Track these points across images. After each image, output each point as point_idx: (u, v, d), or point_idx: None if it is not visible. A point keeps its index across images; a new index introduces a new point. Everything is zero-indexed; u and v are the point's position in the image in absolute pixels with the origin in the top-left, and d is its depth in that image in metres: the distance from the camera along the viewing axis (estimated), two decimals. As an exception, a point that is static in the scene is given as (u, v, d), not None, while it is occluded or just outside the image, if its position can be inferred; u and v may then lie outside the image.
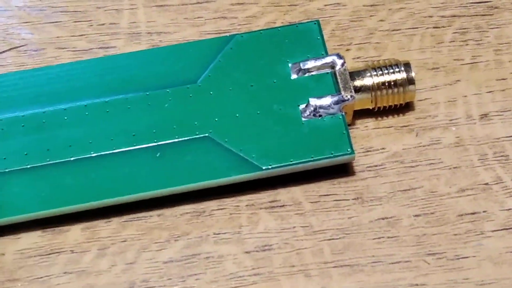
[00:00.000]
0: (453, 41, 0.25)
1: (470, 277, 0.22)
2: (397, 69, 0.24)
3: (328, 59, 0.24)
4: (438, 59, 0.25)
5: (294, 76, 0.24)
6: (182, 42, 0.25)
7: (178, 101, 0.23)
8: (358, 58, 0.25)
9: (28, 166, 0.23)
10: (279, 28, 0.24)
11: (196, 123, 0.23)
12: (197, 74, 0.24)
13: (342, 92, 0.23)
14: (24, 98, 0.23)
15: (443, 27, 0.25)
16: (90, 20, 0.25)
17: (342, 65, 0.24)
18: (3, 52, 0.25)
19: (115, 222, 0.23)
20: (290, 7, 0.26)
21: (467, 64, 0.25)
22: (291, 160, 0.23)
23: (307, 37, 0.24)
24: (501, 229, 0.23)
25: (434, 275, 0.22)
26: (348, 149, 0.23)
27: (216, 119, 0.23)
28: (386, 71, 0.24)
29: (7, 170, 0.23)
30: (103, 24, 0.25)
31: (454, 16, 0.25)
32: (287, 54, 0.24)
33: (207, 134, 0.23)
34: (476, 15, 0.25)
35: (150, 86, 0.24)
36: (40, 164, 0.23)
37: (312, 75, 0.24)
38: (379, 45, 0.25)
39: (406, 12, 0.25)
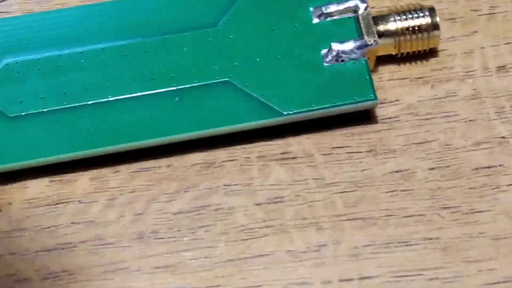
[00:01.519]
0: (471, -10, 0.25)
1: (485, 232, 0.22)
2: (421, 14, 0.23)
3: (351, 3, 0.23)
4: (454, 10, 0.24)
5: (315, 21, 0.23)
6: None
7: (197, 45, 0.23)
8: (373, 8, 0.24)
9: (45, 110, 0.22)
10: None
11: (215, 67, 0.23)
12: (217, 17, 0.23)
13: (365, 37, 0.23)
14: (40, 40, 0.23)
15: (461, -24, 0.25)
16: (97, -35, 0.25)
17: (366, 9, 0.23)
18: (9, -2, 0.25)
19: (124, 172, 0.23)
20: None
21: (484, 15, 0.24)
22: (313, 105, 0.22)
23: None
24: (517, 183, 0.23)
25: (448, 229, 0.22)
26: (371, 95, 0.22)
27: (236, 64, 0.23)
28: (410, 16, 0.23)
29: (23, 114, 0.22)
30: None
31: (473, -36, 0.25)
32: None
33: (227, 79, 0.23)
34: (496, -36, 0.25)
35: (169, 30, 0.23)
36: (56, 108, 0.22)
37: (334, 19, 0.23)
38: (395, -6, 0.25)
39: (424, -40, 0.25)
